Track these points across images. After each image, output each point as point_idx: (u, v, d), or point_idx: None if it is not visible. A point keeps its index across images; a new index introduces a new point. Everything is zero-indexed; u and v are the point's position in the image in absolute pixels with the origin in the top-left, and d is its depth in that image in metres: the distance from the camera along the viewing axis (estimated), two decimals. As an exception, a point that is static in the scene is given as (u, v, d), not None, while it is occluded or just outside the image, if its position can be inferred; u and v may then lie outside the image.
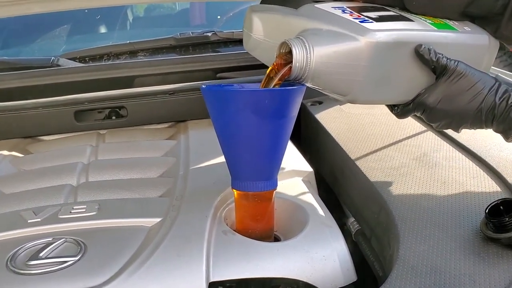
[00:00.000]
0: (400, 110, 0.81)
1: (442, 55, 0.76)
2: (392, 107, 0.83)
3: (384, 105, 0.90)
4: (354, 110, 1.23)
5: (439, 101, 0.76)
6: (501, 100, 0.74)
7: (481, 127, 0.77)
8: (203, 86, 0.77)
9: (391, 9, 0.81)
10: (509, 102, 0.74)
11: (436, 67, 0.76)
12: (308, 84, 0.75)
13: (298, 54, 0.71)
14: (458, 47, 0.79)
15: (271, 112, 0.72)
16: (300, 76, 0.72)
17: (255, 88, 0.78)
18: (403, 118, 0.83)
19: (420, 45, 0.76)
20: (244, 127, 0.73)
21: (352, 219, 0.98)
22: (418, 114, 0.80)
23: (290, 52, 0.72)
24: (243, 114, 0.72)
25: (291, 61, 0.72)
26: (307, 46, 0.71)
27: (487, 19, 0.85)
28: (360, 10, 0.79)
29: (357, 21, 0.75)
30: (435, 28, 0.78)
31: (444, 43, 0.77)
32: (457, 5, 0.85)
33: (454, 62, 0.76)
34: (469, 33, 0.81)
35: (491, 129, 0.78)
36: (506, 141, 0.78)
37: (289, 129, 0.77)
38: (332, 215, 0.86)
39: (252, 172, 0.77)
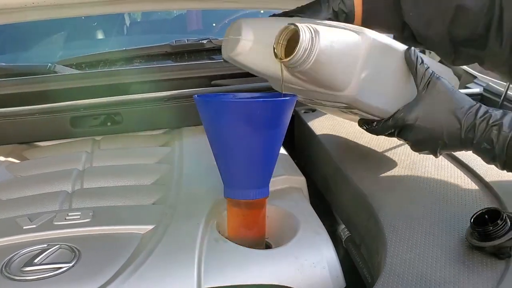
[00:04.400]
0: (380, 125, 0.84)
1: (428, 67, 0.80)
2: (367, 126, 0.87)
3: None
4: (346, 118, 1.25)
5: (418, 118, 0.79)
6: (481, 119, 0.75)
7: (460, 149, 0.79)
8: (196, 95, 0.78)
9: None
10: (490, 122, 0.75)
11: (418, 74, 0.79)
12: (307, 78, 0.78)
13: (304, 35, 0.73)
14: (439, 68, 0.87)
15: (263, 122, 0.74)
16: (303, 59, 0.74)
17: (247, 99, 0.79)
18: (379, 134, 0.86)
19: (410, 48, 0.82)
20: (236, 137, 0.75)
21: (342, 226, 1.00)
22: (395, 132, 0.83)
23: (291, 39, 0.75)
24: (235, 124, 0.73)
25: (293, 47, 0.74)
26: (312, 30, 0.74)
27: (474, 42, 0.90)
28: None
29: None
30: None
31: (429, 61, 0.84)
32: (442, 24, 0.89)
33: (437, 76, 0.80)
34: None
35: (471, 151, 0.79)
36: (487, 163, 0.79)
37: (281, 138, 0.79)
38: (324, 221, 0.87)
39: (244, 180, 0.78)
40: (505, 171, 0.79)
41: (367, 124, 0.87)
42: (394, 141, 1.07)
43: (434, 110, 0.78)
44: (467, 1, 0.88)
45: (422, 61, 0.81)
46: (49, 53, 1.75)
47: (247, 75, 1.44)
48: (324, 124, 1.21)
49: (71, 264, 0.72)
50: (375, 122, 0.85)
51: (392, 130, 0.83)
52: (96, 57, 1.58)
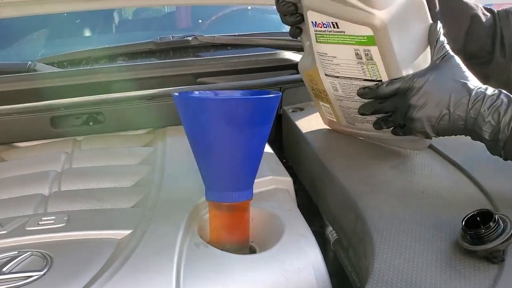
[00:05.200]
0: (385, 84, 0.84)
1: (446, 43, 0.84)
2: (370, 89, 0.86)
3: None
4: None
5: (427, 82, 0.79)
6: (492, 93, 0.76)
7: (461, 126, 0.77)
8: (175, 93, 0.75)
9: None
10: (500, 96, 0.75)
11: (437, 45, 0.83)
12: None
13: None
14: None
15: (245, 121, 0.70)
16: None
17: (228, 96, 0.76)
18: (380, 98, 0.85)
19: (436, 24, 0.86)
20: (216, 136, 0.71)
21: (330, 228, 0.96)
22: (398, 97, 0.82)
23: None
24: (215, 123, 0.70)
25: None
26: None
27: (481, 59, 1.00)
28: None
29: None
30: None
31: None
32: (459, 30, 0.99)
33: (453, 54, 0.83)
34: None
35: (469, 136, 0.79)
36: (486, 144, 0.78)
37: (264, 138, 0.75)
38: (313, 223, 0.84)
39: (226, 182, 0.75)
40: (501, 158, 0.78)
41: (369, 88, 0.87)
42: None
43: (445, 78, 0.79)
44: (480, 13, 1.00)
45: (444, 38, 0.84)
46: (30, 51, 1.70)
47: (233, 72, 1.41)
48: (312, 124, 1.18)
49: (42, 272, 0.68)
50: (380, 83, 0.85)
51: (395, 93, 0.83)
52: (78, 55, 1.54)
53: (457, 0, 1.02)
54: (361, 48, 0.86)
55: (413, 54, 0.87)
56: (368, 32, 0.83)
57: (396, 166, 0.92)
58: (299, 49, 1.49)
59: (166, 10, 2.18)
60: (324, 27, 0.90)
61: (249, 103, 0.71)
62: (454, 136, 0.82)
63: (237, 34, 1.56)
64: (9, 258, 0.71)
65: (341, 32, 0.87)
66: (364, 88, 0.88)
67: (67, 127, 1.27)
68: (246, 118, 0.70)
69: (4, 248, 0.74)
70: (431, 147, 0.97)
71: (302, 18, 0.96)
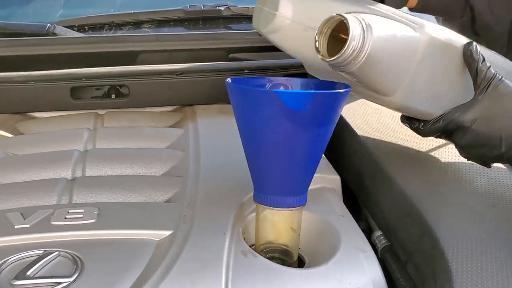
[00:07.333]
0: (428, 126, 0.74)
1: (490, 65, 0.69)
2: (413, 124, 0.77)
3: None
4: (381, 105, 1.11)
5: (475, 121, 0.69)
6: None
7: None
8: (229, 80, 0.65)
9: None
10: None
11: (479, 74, 0.69)
12: (350, 77, 0.68)
13: (355, 31, 0.62)
14: (503, 70, 0.73)
15: (311, 118, 0.61)
16: (349, 60, 0.63)
17: (295, 90, 0.67)
18: (427, 136, 0.77)
19: (471, 42, 0.71)
20: (276, 134, 0.62)
21: (378, 233, 0.87)
22: (444, 135, 0.74)
23: (336, 29, 0.65)
24: (279, 119, 0.60)
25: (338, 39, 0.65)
26: (364, 25, 0.62)
27: None
28: None
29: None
30: None
31: (491, 60, 0.72)
32: (506, 12, 0.88)
33: (500, 78, 0.69)
34: None
35: None
36: None
37: (328, 138, 0.66)
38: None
39: (281, 185, 0.66)
40: None
41: (412, 123, 0.77)
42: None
43: (494, 113, 0.69)
44: None
45: (484, 59, 0.70)
46: (48, 11, 1.56)
47: (268, 49, 1.30)
48: (357, 112, 1.07)
49: (71, 279, 0.59)
50: (422, 123, 0.75)
51: (441, 133, 0.74)
52: (101, 19, 1.41)
53: None
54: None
55: (450, 89, 0.74)
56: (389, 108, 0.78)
57: (462, 170, 0.82)
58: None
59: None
60: None
61: (320, 98, 0.61)
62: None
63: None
64: (34, 258, 0.63)
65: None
66: (406, 123, 0.79)
67: (88, 99, 1.17)
68: (315, 115, 0.61)
69: (28, 245, 0.65)
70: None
71: None
